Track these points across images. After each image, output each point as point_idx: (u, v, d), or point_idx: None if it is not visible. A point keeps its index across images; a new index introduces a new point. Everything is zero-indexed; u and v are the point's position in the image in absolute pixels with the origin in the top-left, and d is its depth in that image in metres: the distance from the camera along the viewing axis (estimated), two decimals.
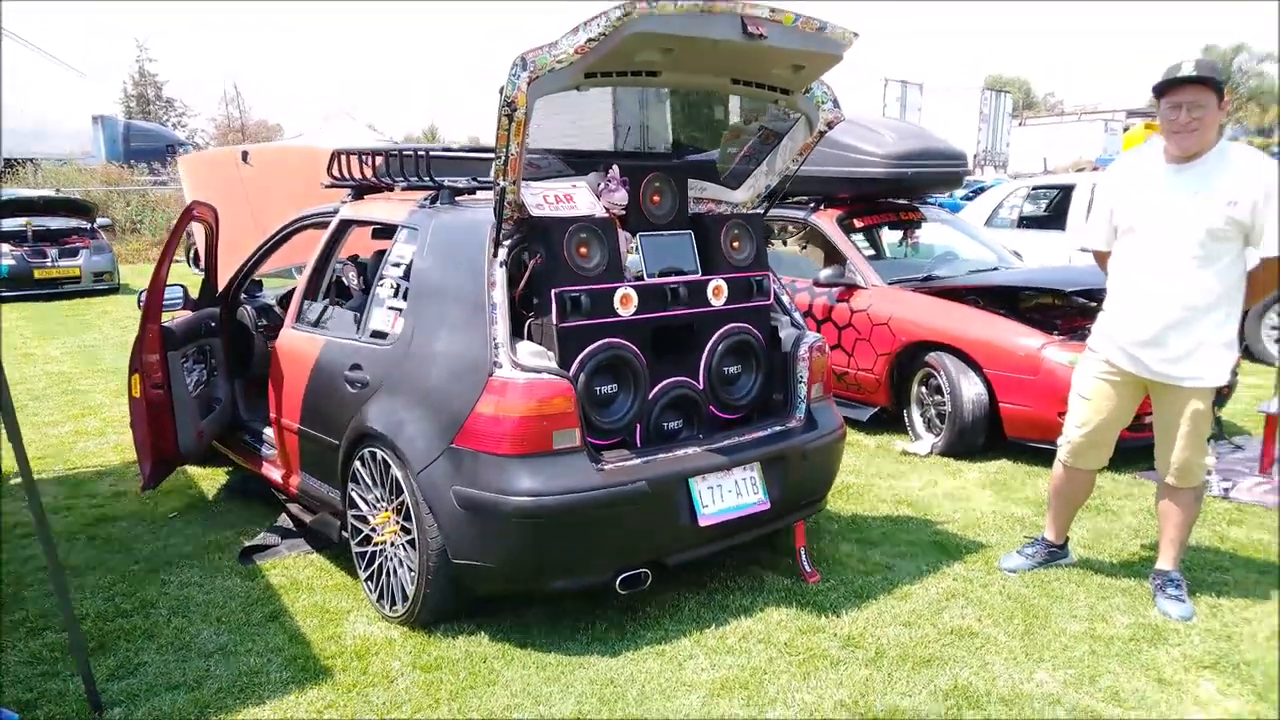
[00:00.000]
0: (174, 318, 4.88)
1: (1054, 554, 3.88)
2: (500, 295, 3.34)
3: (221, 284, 5.14)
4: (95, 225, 15.34)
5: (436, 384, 3.40)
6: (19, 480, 5.37)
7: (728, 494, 3.50)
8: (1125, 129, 37.54)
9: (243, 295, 5.23)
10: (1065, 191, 10.25)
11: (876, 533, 4.33)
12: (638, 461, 3.38)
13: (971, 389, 5.39)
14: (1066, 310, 5.80)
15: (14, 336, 10.63)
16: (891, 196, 6.86)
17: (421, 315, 3.56)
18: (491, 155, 4.40)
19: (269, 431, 4.69)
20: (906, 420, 5.92)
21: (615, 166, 3.63)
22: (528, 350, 3.32)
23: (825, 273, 6.30)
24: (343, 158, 4.41)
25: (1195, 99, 3.24)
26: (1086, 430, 3.58)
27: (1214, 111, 3.25)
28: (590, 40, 2.97)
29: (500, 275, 3.38)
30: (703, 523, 3.40)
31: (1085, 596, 3.61)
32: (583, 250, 3.43)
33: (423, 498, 3.32)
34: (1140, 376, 3.41)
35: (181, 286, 4.93)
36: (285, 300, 5.30)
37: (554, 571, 3.29)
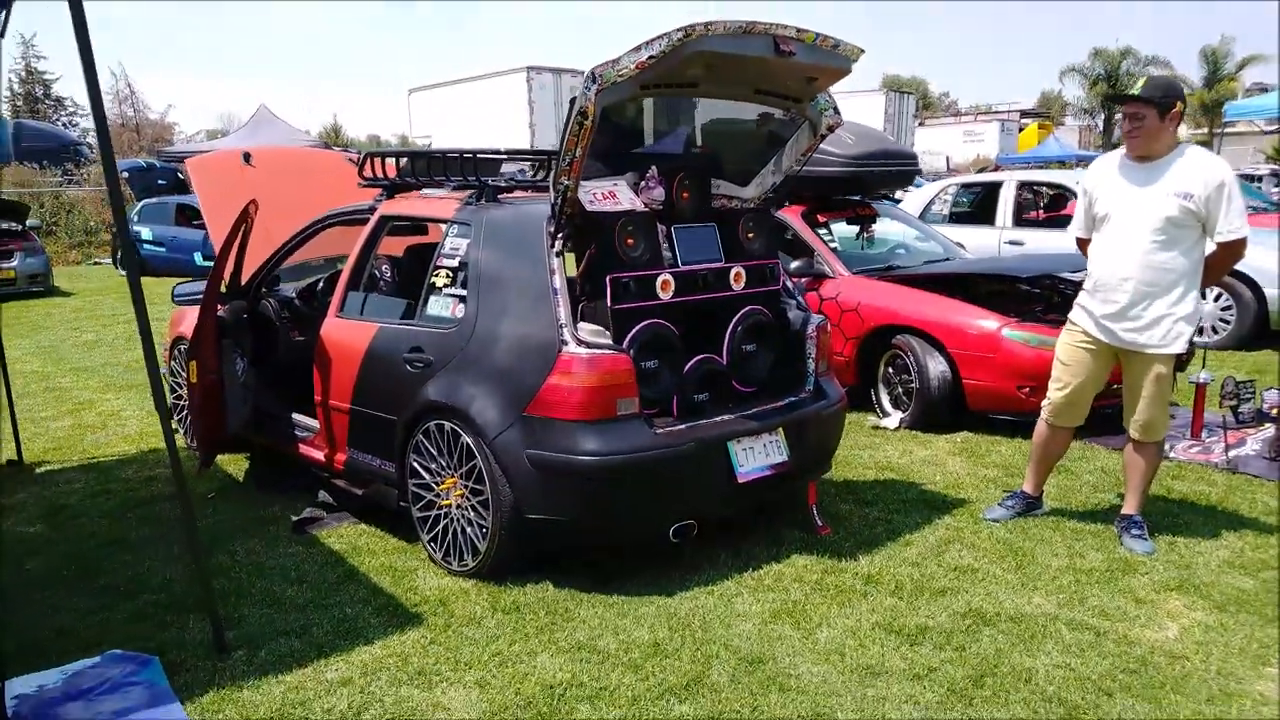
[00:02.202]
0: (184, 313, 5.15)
1: (1030, 505, 4.48)
2: (560, 281, 3.77)
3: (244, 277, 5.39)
4: (27, 227, 15.03)
5: (505, 361, 3.81)
6: (47, 468, 5.57)
7: (758, 455, 3.99)
8: (1020, 128, 39.51)
9: (264, 289, 5.50)
10: (992, 189, 11.06)
11: (870, 494, 4.88)
12: (684, 427, 3.85)
13: (937, 367, 6.00)
14: (1015, 295, 6.48)
15: None
16: (851, 194, 7.46)
17: (484, 301, 3.96)
18: (525, 158, 4.90)
19: (299, 416, 5.00)
20: (874, 398, 6.50)
21: (654, 166, 4.09)
22: (588, 329, 3.76)
23: (795, 264, 6.85)
24: (376, 160, 4.76)
25: (1136, 111, 3.88)
26: (1066, 392, 4.18)
27: (1154, 121, 3.87)
28: (651, 57, 3.43)
29: (559, 264, 3.81)
30: (740, 479, 3.88)
31: (1062, 539, 4.22)
32: (630, 241, 3.88)
33: (496, 461, 3.73)
34: (1112, 345, 4.02)
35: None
36: (305, 293, 5.61)
37: (619, 523, 3.75)
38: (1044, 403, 4.33)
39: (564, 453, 3.60)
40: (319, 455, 4.79)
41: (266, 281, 5.52)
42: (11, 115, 39.70)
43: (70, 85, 48.71)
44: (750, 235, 4.38)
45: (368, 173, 4.79)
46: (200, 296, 5.19)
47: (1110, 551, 4.07)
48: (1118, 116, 4.01)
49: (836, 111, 4.35)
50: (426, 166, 4.58)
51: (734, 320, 4.24)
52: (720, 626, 3.45)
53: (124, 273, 17.42)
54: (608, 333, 3.78)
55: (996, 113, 45.11)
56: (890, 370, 6.41)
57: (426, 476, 4.09)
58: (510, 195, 4.40)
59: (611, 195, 4.00)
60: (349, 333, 4.54)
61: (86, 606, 3.73)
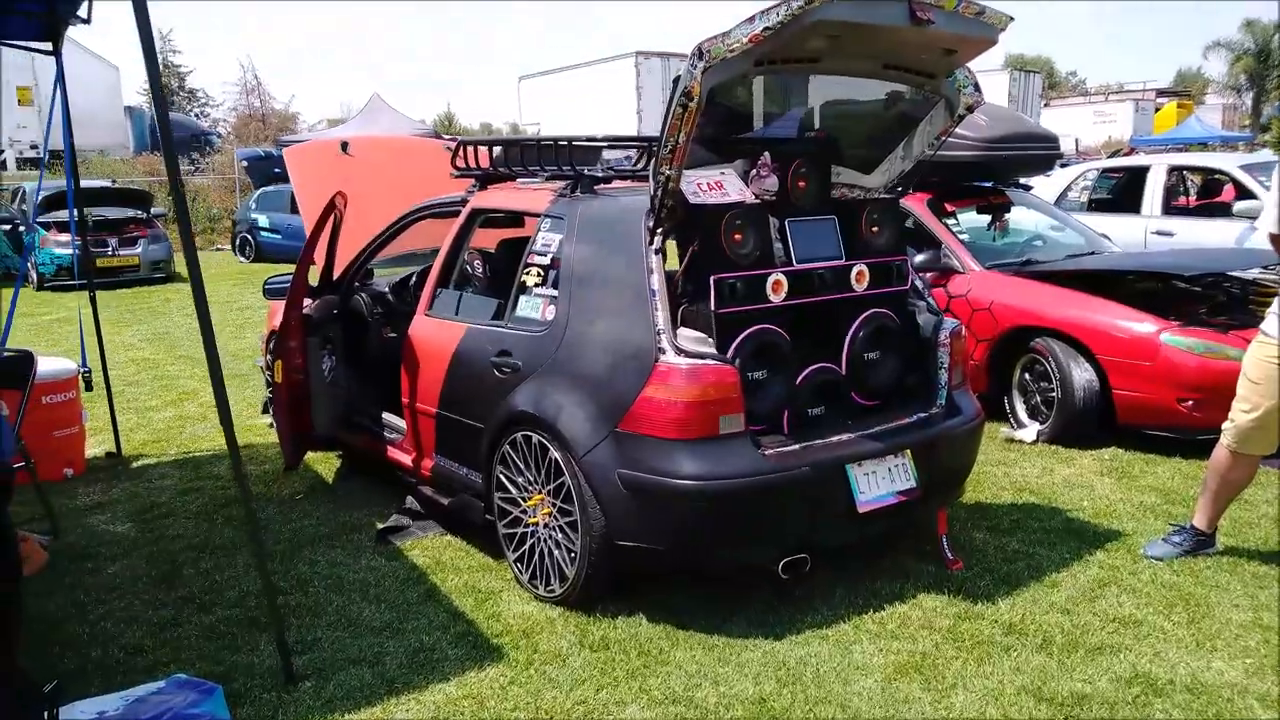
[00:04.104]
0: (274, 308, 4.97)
1: (1201, 543, 3.87)
2: (659, 282, 3.37)
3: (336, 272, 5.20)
4: (151, 215, 15.51)
5: (597, 369, 3.44)
6: (143, 462, 5.51)
7: (882, 480, 3.52)
8: (1156, 109, 37.07)
9: (356, 284, 5.29)
10: (1137, 174, 10.14)
11: (1006, 520, 4.33)
12: (797, 447, 3.41)
13: (1083, 375, 5.37)
14: (1171, 294, 5.76)
15: (88, 323, 10.78)
16: (984, 180, 6.83)
17: (577, 302, 3.60)
18: (625, 145, 4.50)
19: (388, 416, 4.76)
20: (1007, 407, 5.90)
21: (766, 153, 3.64)
22: (689, 336, 3.35)
23: (921, 257, 6.25)
24: (468, 148, 4.45)
25: None
26: (1255, 415, 3.56)
27: None
28: (767, 29, 2.98)
29: (657, 262, 3.41)
30: (861, 509, 3.42)
31: (1242, 586, 3.61)
32: (738, 237, 3.45)
33: (586, 481, 3.37)
34: None
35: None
36: (398, 288, 5.37)
37: (719, 553, 3.35)
38: (1226, 425, 3.71)
39: (659, 474, 3.21)
40: (407, 460, 4.54)
41: (360, 276, 5.31)
42: (149, 107, 41.76)
43: (203, 78, 51.04)
44: (875, 229, 3.89)
45: (460, 163, 4.50)
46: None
47: None
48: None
49: (977, 89, 3.82)
50: (521, 155, 4.25)
51: (855, 324, 3.77)
52: (837, 682, 3.01)
53: (245, 260, 17.96)
54: (711, 340, 3.37)
55: (1129, 91, 42.46)
56: (1027, 377, 5.80)
57: (513, 491, 3.77)
58: (609, 186, 4.03)
59: (718, 186, 3.58)
60: (437, 332, 4.26)
61: (160, 620, 3.55)
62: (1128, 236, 9.02)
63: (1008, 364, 5.90)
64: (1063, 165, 13.70)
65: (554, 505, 3.55)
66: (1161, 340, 5.11)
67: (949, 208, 6.71)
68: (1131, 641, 3.21)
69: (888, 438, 3.58)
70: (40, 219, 14.17)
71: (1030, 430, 5.64)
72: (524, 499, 3.70)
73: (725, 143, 3.87)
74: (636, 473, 3.26)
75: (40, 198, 14.51)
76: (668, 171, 3.23)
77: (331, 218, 4.53)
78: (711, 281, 3.37)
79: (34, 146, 24.98)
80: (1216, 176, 10.30)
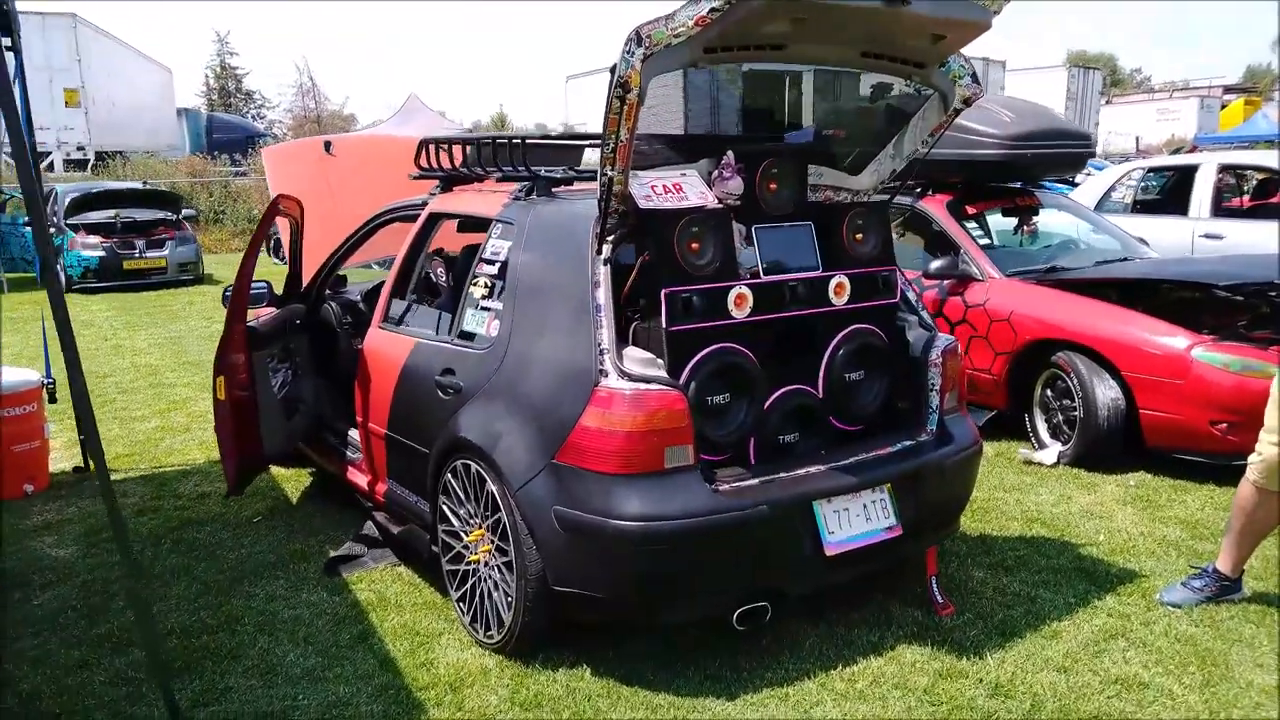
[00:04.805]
0: (258, 315, 4.71)
1: (1226, 588, 3.42)
2: (605, 296, 3.03)
3: (306, 279, 4.94)
4: (180, 217, 15.51)
5: (537, 393, 3.11)
6: (111, 477, 5.30)
7: (855, 519, 3.13)
8: (1223, 106, 35.66)
9: (327, 291, 5.03)
10: (1186, 173, 9.54)
11: (1010, 556, 3.92)
12: (756, 482, 3.04)
13: (1107, 393, 4.91)
14: (1209, 305, 5.26)
15: (105, 328, 10.74)
16: (1008, 180, 6.38)
17: (520, 317, 3.27)
18: (593, 142, 4.15)
19: (354, 434, 4.48)
20: (1028, 426, 5.45)
21: (730, 152, 3.28)
22: (635, 357, 3.00)
23: (936, 264, 5.84)
24: (431, 147, 4.14)
25: None
26: None
27: None
28: (714, 10, 2.62)
29: (605, 274, 3.06)
30: (829, 551, 3.04)
31: (1268, 640, 3.16)
32: (694, 245, 3.09)
33: (521, 517, 3.04)
34: None
35: (266, 283, 4.74)
36: (371, 296, 5.09)
37: (665, 603, 2.99)
38: (1253, 459, 3.26)
39: (596, 513, 2.86)
40: (363, 483, 4.25)
41: (331, 283, 5.05)
42: (206, 109, 42.44)
43: (259, 79, 51.90)
44: (859, 236, 3.50)
45: (422, 162, 4.20)
46: (264, 298, 4.78)
47: None
48: None
49: (974, 79, 3.41)
50: (494, 155, 3.91)
51: (834, 342, 3.40)
52: None
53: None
54: (662, 361, 3.02)
55: (1195, 88, 41.00)
56: (1049, 393, 5.34)
57: (456, 523, 3.45)
58: (571, 189, 3.69)
59: (676, 189, 3.22)
60: (389, 346, 3.96)
61: (69, 661, 3.28)
62: (1173, 240, 8.45)
63: (1028, 379, 5.45)
64: (1118, 164, 13.11)
65: (493, 543, 3.23)
66: (1193, 356, 4.64)
67: (971, 210, 6.27)
68: (1132, 708, 2.80)
69: (863, 470, 3.20)
70: (69, 221, 14.24)
71: (1051, 451, 5.19)
72: (466, 533, 3.39)
73: (696, 141, 3.54)
74: (573, 510, 2.92)
75: (68, 200, 14.68)
76: (610, 173, 2.89)
77: (271, 223, 4.25)
78: (663, 296, 3.02)
79: (80, 148, 25.40)
80: (1273, 175, 9.66)
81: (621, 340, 3.09)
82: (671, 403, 2.89)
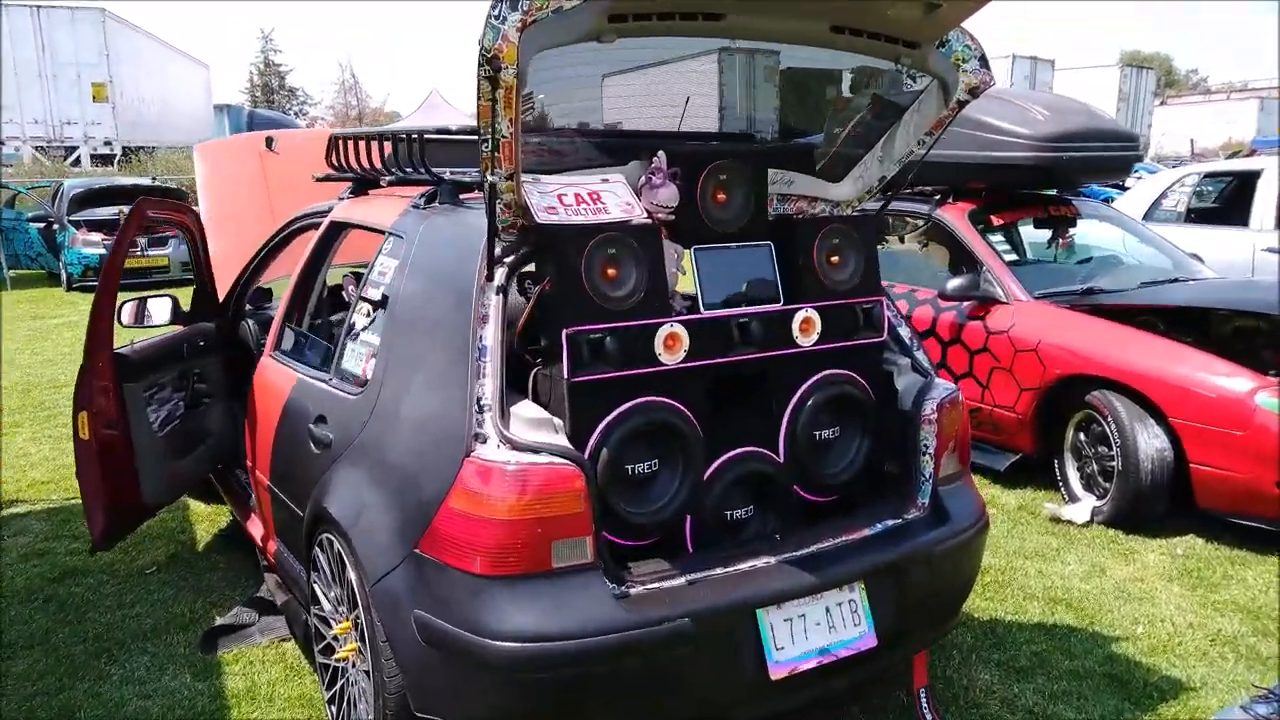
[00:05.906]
0: (161, 335, 4.12)
1: None
2: (492, 335, 2.34)
3: (221, 294, 4.34)
4: None
5: (404, 458, 2.44)
6: (15, 510, 4.73)
7: (814, 629, 2.42)
8: None
9: (247, 306, 4.41)
10: (1247, 179, 8.64)
11: (1026, 653, 3.18)
12: (681, 582, 2.33)
13: (1151, 441, 4.13)
14: (1277, 341, 4.46)
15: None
16: (1040, 187, 5.60)
17: (394, 358, 2.60)
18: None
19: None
20: (1058, 474, 4.68)
21: (661, 154, 2.57)
22: (526, 417, 2.31)
23: (954, 283, 5.08)
24: (341, 143, 3.49)
25: None
26: None
27: None
28: None
29: (494, 306, 2.37)
30: (775, 674, 2.33)
31: None
32: (610, 271, 2.39)
33: (380, 620, 2.37)
34: None
35: (171, 298, 4.17)
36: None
37: None
38: None
39: (460, 627, 2.18)
40: (258, 536, 3.62)
41: (250, 298, 4.43)
42: (250, 105, 42.54)
43: (302, 76, 52.18)
44: (835, 258, 2.77)
45: (333, 161, 3.55)
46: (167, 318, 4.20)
47: None
48: None
49: (983, 64, 2.68)
50: (411, 154, 3.22)
51: (799, 392, 2.68)
52: None
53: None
54: (560, 423, 2.33)
55: (1255, 89, 39.31)
56: (1082, 438, 4.57)
57: (327, 608, 2.80)
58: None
59: (593, 199, 2.53)
60: (275, 380, 3.33)
61: None
62: (1231, 255, 7.61)
63: (1059, 420, 4.69)
64: (1171, 167, 12.16)
65: (358, 642, 2.56)
66: (1257, 402, 3.85)
67: (996, 221, 5.51)
68: None
69: (827, 564, 2.47)
70: (72, 217, 13.88)
71: (1084, 508, 4.41)
72: (336, 622, 2.73)
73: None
74: (435, 619, 2.23)
75: (71, 195, 14.33)
76: (492, 177, 2.21)
77: (133, 233, 3.66)
78: (564, 336, 2.32)
79: (108, 143, 25.27)
80: None
81: (519, 393, 2.41)
82: (564, 481, 2.19)
